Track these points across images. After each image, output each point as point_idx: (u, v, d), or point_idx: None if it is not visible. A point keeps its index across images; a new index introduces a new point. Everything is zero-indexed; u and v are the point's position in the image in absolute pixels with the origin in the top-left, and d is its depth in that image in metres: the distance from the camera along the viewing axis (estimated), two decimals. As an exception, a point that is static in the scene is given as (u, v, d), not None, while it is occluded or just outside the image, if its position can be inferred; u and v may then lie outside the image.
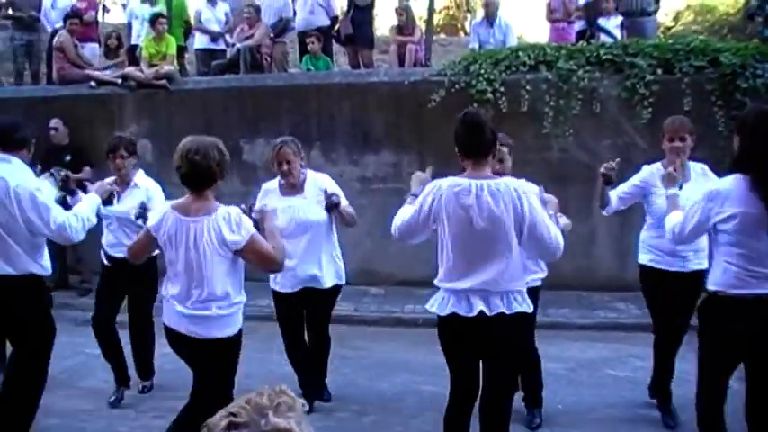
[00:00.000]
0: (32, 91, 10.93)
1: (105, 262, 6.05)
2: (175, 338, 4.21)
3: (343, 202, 5.39)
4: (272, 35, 10.97)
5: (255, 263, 4.13)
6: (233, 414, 1.45)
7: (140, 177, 5.88)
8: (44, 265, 4.76)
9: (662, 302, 5.24)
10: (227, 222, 3.97)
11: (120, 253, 5.56)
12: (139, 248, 4.45)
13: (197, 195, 4.05)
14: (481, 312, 3.79)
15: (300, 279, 5.36)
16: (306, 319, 5.61)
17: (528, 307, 3.92)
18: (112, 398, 5.99)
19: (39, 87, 11.32)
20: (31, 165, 4.97)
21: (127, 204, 5.63)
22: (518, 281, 3.89)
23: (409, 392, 6.01)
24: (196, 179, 4.00)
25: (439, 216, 3.86)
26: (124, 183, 5.80)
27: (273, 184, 5.52)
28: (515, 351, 4.01)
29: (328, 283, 5.44)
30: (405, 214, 4.08)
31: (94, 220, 4.94)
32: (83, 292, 9.16)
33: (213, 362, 4.14)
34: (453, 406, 4.11)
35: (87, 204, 4.97)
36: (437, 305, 3.96)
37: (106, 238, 5.93)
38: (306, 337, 5.68)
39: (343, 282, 5.64)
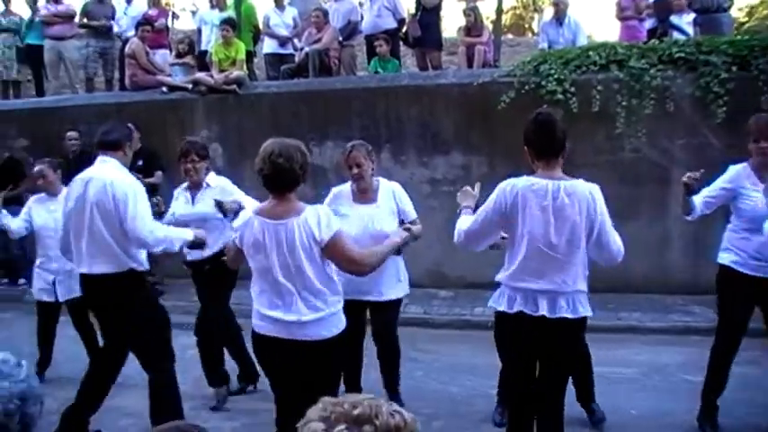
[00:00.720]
0: (106, 97, 11.39)
1: (185, 266, 6.29)
2: (274, 346, 4.16)
3: (413, 222, 5.35)
4: (340, 38, 11.17)
5: (339, 262, 4.08)
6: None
7: (212, 178, 6.07)
8: (141, 260, 5.01)
9: (735, 307, 5.15)
10: (316, 220, 3.93)
11: (197, 256, 5.82)
12: (232, 259, 4.51)
13: (280, 198, 4.02)
14: (544, 314, 3.94)
15: (364, 290, 5.34)
16: (372, 331, 5.68)
17: (590, 311, 4.05)
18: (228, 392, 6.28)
19: (112, 94, 11.80)
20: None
21: (201, 206, 5.87)
22: (583, 283, 4.03)
23: (479, 396, 6.07)
24: (279, 181, 3.98)
25: (514, 215, 3.93)
26: (196, 186, 6.02)
27: (345, 189, 5.56)
28: (573, 354, 4.12)
29: (392, 295, 5.52)
30: (467, 220, 4.20)
31: (175, 248, 5.21)
32: (157, 293, 9.41)
33: (323, 363, 4.14)
34: (516, 410, 4.28)
35: (178, 231, 5.25)
36: (504, 303, 4.08)
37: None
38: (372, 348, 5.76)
39: (407, 292, 5.71)
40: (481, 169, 8.93)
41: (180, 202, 6.19)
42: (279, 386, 4.31)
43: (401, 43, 11.59)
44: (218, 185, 6.01)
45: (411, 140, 9.25)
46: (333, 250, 3.97)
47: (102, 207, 4.79)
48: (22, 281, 10.08)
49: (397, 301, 5.67)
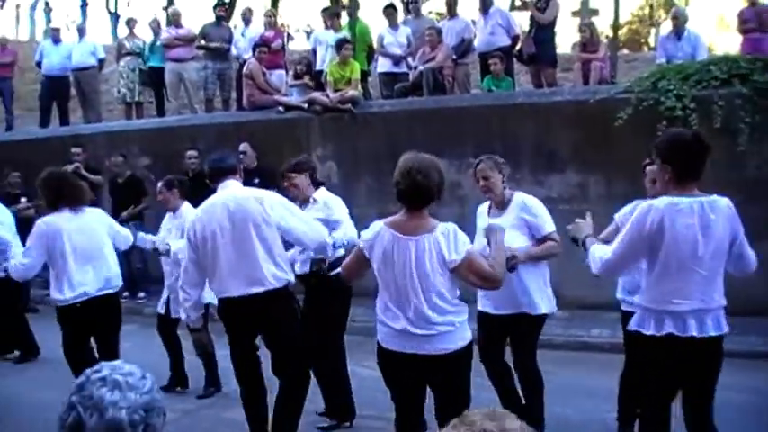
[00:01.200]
0: (224, 117, 11.90)
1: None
2: (401, 361, 4.22)
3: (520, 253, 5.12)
4: (454, 57, 11.32)
5: (473, 281, 4.16)
6: None
7: (320, 193, 6.09)
8: (288, 271, 5.18)
9: None
10: (446, 240, 4.02)
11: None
12: (351, 269, 4.57)
13: (414, 213, 4.11)
14: (693, 334, 3.95)
15: (505, 304, 5.32)
16: (511, 346, 5.59)
17: (727, 327, 4.06)
18: None
19: (230, 113, 12.30)
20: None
21: None
22: (724, 298, 4.05)
23: (594, 421, 6.01)
24: (416, 197, 4.07)
25: (659, 237, 3.92)
26: (303, 201, 6.06)
27: (485, 205, 5.57)
28: (718, 372, 4.11)
29: (535, 310, 5.38)
30: (602, 249, 4.25)
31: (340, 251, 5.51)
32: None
33: (451, 377, 4.21)
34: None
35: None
36: (652, 326, 4.05)
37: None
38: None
39: (554, 309, 5.62)
40: (598, 188, 8.90)
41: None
42: (403, 401, 4.38)
43: (515, 61, 11.64)
44: (322, 200, 6.00)
45: (526, 159, 9.28)
46: (466, 271, 4.06)
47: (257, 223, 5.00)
48: (141, 294, 10.53)
49: (542, 317, 5.55)
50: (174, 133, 11.33)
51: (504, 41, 11.35)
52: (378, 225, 4.28)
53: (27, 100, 17.00)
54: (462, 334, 4.19)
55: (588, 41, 11.12)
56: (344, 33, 12.09)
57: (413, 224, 4.10)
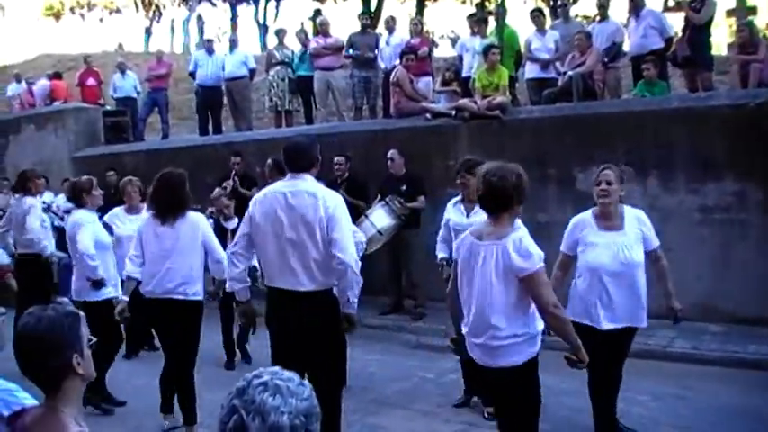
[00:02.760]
0: (371, 124, 12.24)
1: None
2: (480, 369, 4.38)
3: None
4: (604, 60, 11.21)
5: (531, 297, 4.14)
6: None
7: None
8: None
9: None
10: (516, 247, 4.04)
11: None
12: (452, 287, 4.58)
13: (494, 219, 4.21)
14: None
15: (623, 317, 5.41)
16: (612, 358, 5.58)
17: None
18: None
19: (377, 121, 12.62)
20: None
21: (475, 218, 6.17)
22: None
23: None
24: (492, 201, 4.17)
25: None
26: (471, 201, 6.35)
27: (586, 217, 5.60)
28: None
29: (645, 323, 5.51)
30: None
31: None
32: (417, 316, 9.96)
33: (513, 391, 4.24)
34: None
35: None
36: None
37: None
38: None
39: (645, 324, 5.58)
40: (757, 196, 8.67)
41: (454, 213, 6.73)
42: (496, 410, 4.52)
43: (669, 64, 11.44)
44: None
45: (680, 166, 9.11)
46: (527, 285, 4.07)
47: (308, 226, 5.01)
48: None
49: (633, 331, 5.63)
50: (322, 141, 11.54)
51: (658, 44, 11.16)
52: (466, 232, 4.44)
53: (181, 109, 17.98)
54: (523, 349, 4.17)
55: (746, 42, 10.81)
56: (492, 39, 12.19)
57: (489, 230, 4.20)
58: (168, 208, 6.16)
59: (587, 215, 5.58)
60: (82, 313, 2.66)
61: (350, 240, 5.06)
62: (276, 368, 2.09)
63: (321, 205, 4.95)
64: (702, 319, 8.57)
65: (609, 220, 5.45)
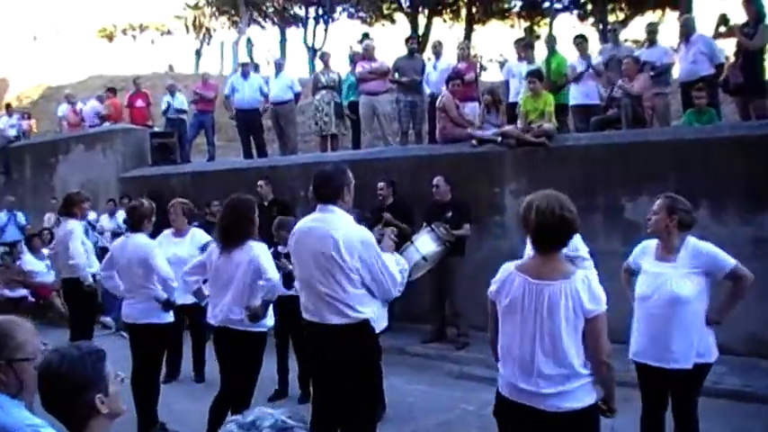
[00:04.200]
0: (418, 150, 12.18)
1: None
2: (517, 413, 4.06)
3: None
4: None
5: (586, 340, 3.89)
6: None
7: None
8: (372, 310, 5.14)
9: None
10: (586, 287, 3.82)
11: None
12: (493, 329, 4.30)
13: (546, 256, 3.95)
14: None
15: (662, 356, 5.23)
16: (672, 403, 5.39)
17: None
18: None
19: (423, 146, 12.56)
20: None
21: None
22: None
23: None
24: (556, 238, 3.93)
25: None
26: None
27: (653, 242, 5.47)
28: None
29: (690, 362, 5.18)
30: None
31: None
32: (460, 345, 9.81)
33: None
34: None
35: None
36: None
37: None
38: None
39: (712, 360, 5.33)
40: (814, 227, 8.41)
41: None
42: None
43: (720, 90, 11.22)
44: None
45: (732, 195, 8.88)
46: (591, 328, 3.84)
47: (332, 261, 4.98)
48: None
49: (699, 372, 5.31)
50: (367, 165, 11.62)
51: (707, 70, 10.98)
52: (507, 268, 4.14)
53: (228, 132, 18.06)
54: (579, 396, 3.91)
55: (804, 67, 10.56)
56: (538, 65, 12.08)
57: (546, 268, 3.92)
58: (230, 236, 6.11)
59: (653, 243, 5.46)
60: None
61: (385, 278, 5.06)
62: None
63: (344, 248, 4.91)
64: (752, 353, 8.36)
65: (665, 251, 5.31)
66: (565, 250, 4.10)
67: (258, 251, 6.08)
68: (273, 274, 6.10)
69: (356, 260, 4.92)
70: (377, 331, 5.26)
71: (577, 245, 6.19)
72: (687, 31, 11.26)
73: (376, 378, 5.84)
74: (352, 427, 5.21)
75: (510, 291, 4.00)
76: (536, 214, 3.89)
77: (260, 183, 11.91)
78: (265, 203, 11.61)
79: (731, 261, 5.23)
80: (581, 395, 3.91)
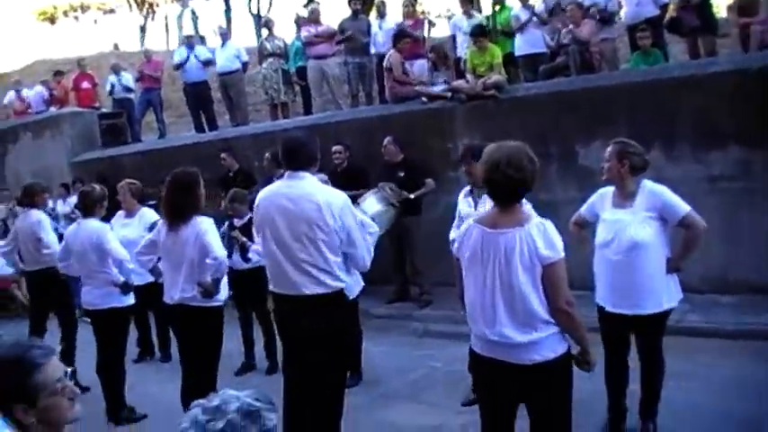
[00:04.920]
0: (368, 111, 12.07)
1: None
2: (490, 367, 4.02)
3: None
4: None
5: (545, 288, 3.82)
6: None
7: None
8: (348, 278, 5.12)
9: None
10: (541, 234, 3.76)
11: None
12: (460, 286, 4.24)
13: (507, 208, 3.91)
14: None
15: (624, 302, 5.23)
16: (637, 345, 5.43)
17: None
18: None
19: (373, 107, 12.45)
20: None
21: (484, 208, 6.06)
22: None
23: None
24: (509, 193, 3.87)
25: None
26: (479, 189, 6.20)
27: (610, 191, 5.44)
28: None
29: (653, 308, 5.20)
30: None
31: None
32: (423, 303, 9.76)
33: (547, 390, 3.94)
34: None
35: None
36: None
37: None
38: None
39: (675, 304, 5.33)
40: (764, 163, 8.39)
41: (464, 204, 6.48)
42: (492, 414, 4.15)
43: (665, 31, 11.14)
44: None
45: (683, 136, 8.83)
46: (546, 274, 3.78)
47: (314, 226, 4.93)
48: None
49: (665, 314, 5.33)
50: (319, 130, 11.46)
51: (652, 12, 10.93)
52: (466, 223, 4.14)
53: (179, 107, 17.79)
54: (549, 346, 3.86)
55: (746, 3, 10.50)
56: (480, 19, 11.96)
57: (504, 218, 3.88)
58: (174, 213, 5.95)
59: (610, 190, 5.42)
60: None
61: (364, 249, 5.05)
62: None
63: (327, 212, 4.85)
64: (714, 291, 8.40)
65: (621, 197, 5.30)
66: None
67: (204, 227, 5.90)
68: (220, 251, 5.94)
69: (338, 223, 4.87)
70: (354, 296, 5.28)
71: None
72: (631, -26, 11.11)
73: (350, 347, 5.78)
74: (324, 399, 5.12)
75: (469, 243, 3.97)
76: (485, 170, 3.89)
77: (223, 155, 11.69)
78: (231, 174, 11.46)
79: (684, 208, 5.20)
80: (549, 345, 3.85)
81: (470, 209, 6.32)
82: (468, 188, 6.50)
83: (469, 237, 3.99)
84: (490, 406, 4.16)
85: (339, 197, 4.98)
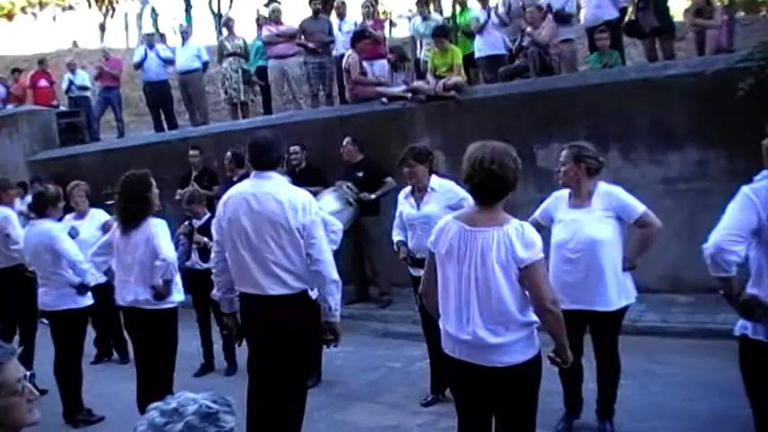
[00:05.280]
0: (328, 111, 12.04)
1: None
2: (460, 368, 3.99)
3: None
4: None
5: (527, 290, 3.81)
6: None
7: (435, 181, 6.38)
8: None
9: None
10: (519, 235, 3.74)
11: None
12: (429, 280, 4.17)
13: (487, 207, 3.88)
14: None
15: (581, 299, 5.22)
16: (593, 343, 5.47)
17: None
18: None
19: (334, 108, 12.40)
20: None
21: (427, 209, 6.27)
22: None
23: (728, 417, 5.54)
24: (490, 191, 3.85)
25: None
26: (420, 190, 6.36)
27: (565, 192, 5.49)
28: None
29: (610, 305, 5.27)
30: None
31: None
32: (383, 303, 9.75)
33: (509, 392, 3.91)
34: None
35: None
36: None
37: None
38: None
39: (632, 300, 5.42)
40: (719, 164, 8.52)
41: (405, 205, 6.52)
42: (466, 416, 4.14)
43: (624, 34, 11.23)
44: (445, 188, 6.28)
45: (641, 137, 8.95)
46: (527, 276, 3.75)
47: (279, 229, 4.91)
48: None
49: (621, 312, 5.41)
50: (279, 130, 11.34)
51: (612, 14, 10.95)
52: (446, 218, 4.11)
53: (138, 106, 17.60)
54: (520, 349, 3.84)
55: (702, 7, 10.60)
56: (439, 20, 11.99)
57: (483, 216, 3.86)
58: (126, 216, 5.92)
59: (566, 192, 5.47)
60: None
61: (325, 244, 4.98)
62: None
63: (290, 211, 4.84)
64: (670, 290, 8.52)
65: (578, 198, 5.34)
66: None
67: (154, 229, 5.86)
68: (168, 252, 5.89)
69: (300, 222, 4.85)
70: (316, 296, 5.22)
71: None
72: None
73: (313, 348, 5.76)
74: (287, 398, 5.11)
75: (446, 239, 3.93)
76: (468, 166, 3.86)
77: (193, 152, 11.44)
78: (195, 174, 11.30)
79: (640, 208, 5.30)
80: (520, 348, 3.84)
81: (413, 210, 6.39)
82: (408, 189, 6.52)
83: (447, 232, 3.95)
84: (464, 407, 4.15)
85: (302, 195, 4.97)
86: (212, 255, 5.43)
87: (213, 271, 5.32)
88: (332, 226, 5.54)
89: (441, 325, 4.06)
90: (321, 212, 5.30)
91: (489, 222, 3.81)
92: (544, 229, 5.57)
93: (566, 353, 3.97)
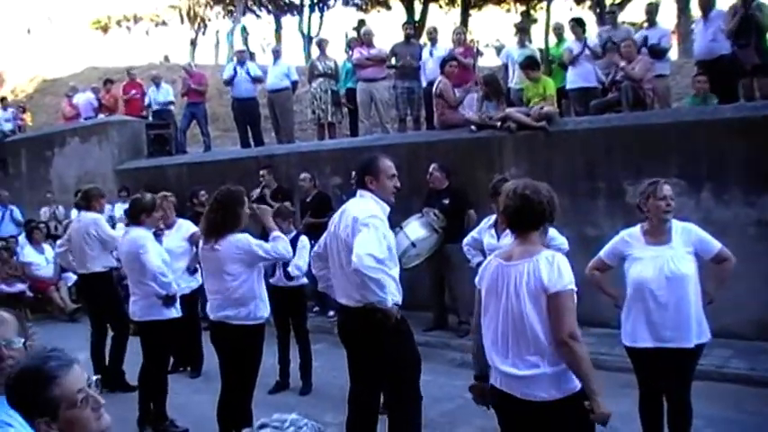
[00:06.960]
0: (415, 136, 12.06)
1: None
2: (505, 401, 3.99)
3: None
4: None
5: (551, 321, 3.77)
6: None
7: None
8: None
9: None
10: (548, 265, 3.77)
11: None
12: (476, 316, 4.25)
13: (523, 238, 3.94)
14: None
15: (666, 336, 5.17)
16: (665, 387, 5.36)
17: None
18: None
19: (421, 133, 12.41)
20: None
21: (506, 242, 6.10)
22: None
23: None
24: (524, 217, 3.90)
25: None
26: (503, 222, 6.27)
27: (636, 231, 5.46)
28: None
29: (694, 340, 5.19)
30: None
31: None
32: (462, 333, 9.68)
33: (546, 427, 3.87)
34: None
35: None
36: None
37: None
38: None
39: (709, 338, 5.32)
40: (818, 208, 8.29)
41: (487, 235, 6.74)
42: None
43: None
44: None
45: (735, 178, 8.74)
46: (552, 304, 3.74)
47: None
48: (331, 313, 10.69)
49: (699, 349, 5.31)
50: (365, 153, 11.49)
51: (728, 48, 10.56)
52: (490, 257, 4.24)
53: (225, 121, 17.92)
54: (554, 384, 3.79)
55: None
56: (532, 50, 11.95)
57: (518, 250, 3.93)
58: (213, 227, 6.00)
59: (636, 231, 5.44)
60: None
61: (365, 247, 4.94)
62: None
63: (351, 226, 5.10)
64: (759, 337, 8.26)
65: (657, 236, 5.30)
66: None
67: (239, 243, 5.95)
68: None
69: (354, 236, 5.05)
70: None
71: (552, 234, 6.07)
72: (706, 7, 10.93)
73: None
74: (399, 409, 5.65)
75: (487, 276, 4.03)
76: (504, 196, 4.01)
77: (262, 172, 11.75)
78: (269, 193, 11.49)
79: (717, 244, 5.32)
80: (554, 383, 3.80)
81: (493, 240, 6.51)
82: (493, 218, 6.54)
83: (488, 269, 4.06)
84: None
85: (363, 212, 5.11)
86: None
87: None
88: (391, 259, 5.40)
89: (488, 358, 4.09)
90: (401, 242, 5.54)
91: (524, 255, 3.88)
92: (609, 269, 5.60)
93: (595, 401, 3.70)
